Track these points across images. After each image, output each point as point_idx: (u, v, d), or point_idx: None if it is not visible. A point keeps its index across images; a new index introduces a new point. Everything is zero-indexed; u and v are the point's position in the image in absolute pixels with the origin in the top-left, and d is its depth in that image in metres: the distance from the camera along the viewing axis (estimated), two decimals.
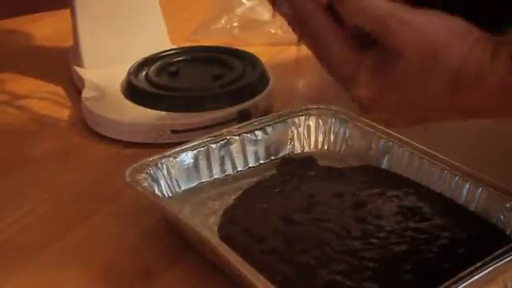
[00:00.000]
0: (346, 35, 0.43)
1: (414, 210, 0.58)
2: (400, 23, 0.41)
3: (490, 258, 0.49)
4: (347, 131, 0.67)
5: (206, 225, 0.58)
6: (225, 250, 0.50)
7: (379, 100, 0.43)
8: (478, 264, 0.49)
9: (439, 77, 0.41)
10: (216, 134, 0.65)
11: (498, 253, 0.50)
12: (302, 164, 0.66)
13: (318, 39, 0.44)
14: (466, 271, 0.48)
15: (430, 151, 0.61)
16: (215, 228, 0.58)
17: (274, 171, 0.66)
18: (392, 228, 0.56)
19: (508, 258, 0.49)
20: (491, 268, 0.48)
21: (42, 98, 0.83)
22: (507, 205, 0.55)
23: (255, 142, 0.66)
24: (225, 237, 0.55)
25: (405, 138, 0.63)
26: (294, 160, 0.67)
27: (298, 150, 0.68)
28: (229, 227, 0.58)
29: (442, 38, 0.41)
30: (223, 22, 0.99)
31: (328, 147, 0.68)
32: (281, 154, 0.68)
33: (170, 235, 0.58)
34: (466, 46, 0.41)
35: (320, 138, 0.68)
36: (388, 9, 0.41)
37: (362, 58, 0.43)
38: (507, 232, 0.55)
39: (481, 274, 0.48)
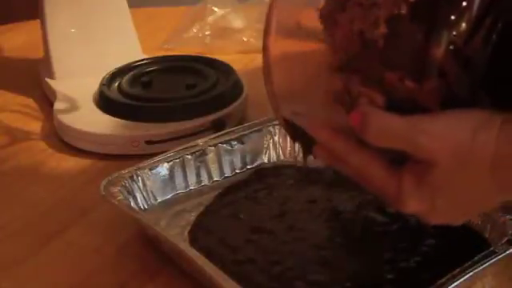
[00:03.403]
0: (379, 158, 0.44)
1: (392, 217, 0.57)
2: (423, 135, 0.42)
3: (470, 263, 0.49)
4: None
5: (182, 237, 0.57)
6: (202, 262, 0.50)
7: (432, 207, 0.44)
8: (457, 270, 0.49)
9: (477, 168, 0.42)
10: (191, 144, 0.65)
11: (476, 258, 0.50)
12: (277, 172, 0.66)
13: (356, 170, 0.45)
14: (446, 278, 0.48)
15: None
16: None
17: (248, 179, 0.65)
18: (370, 237, 0.55)
19: (487, 263, 0.49)
20: (471, 274, 0.49)
21: (12, 110, 0.82)
22: None
23: (231, 151, 0.66)
24: (199, 248, 0.54)
25: None
26: (269, 169, 0.67)
27: (273, 158, 0.68)
28: (203, 238, 0.57)
29: (465, 134, 0.41)
30: (195, 30, 0.99)
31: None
32: (256, 163, 0.67)
33: (148, 248, 0.57)
34: (492, 133, 0.41)
35: (295, 147, 0.68)
36: (407, 125, 0.42)
37: (400, 174, 0.43)
38: (486, 236, 0.55)
39: (460, 280, 0.48)
